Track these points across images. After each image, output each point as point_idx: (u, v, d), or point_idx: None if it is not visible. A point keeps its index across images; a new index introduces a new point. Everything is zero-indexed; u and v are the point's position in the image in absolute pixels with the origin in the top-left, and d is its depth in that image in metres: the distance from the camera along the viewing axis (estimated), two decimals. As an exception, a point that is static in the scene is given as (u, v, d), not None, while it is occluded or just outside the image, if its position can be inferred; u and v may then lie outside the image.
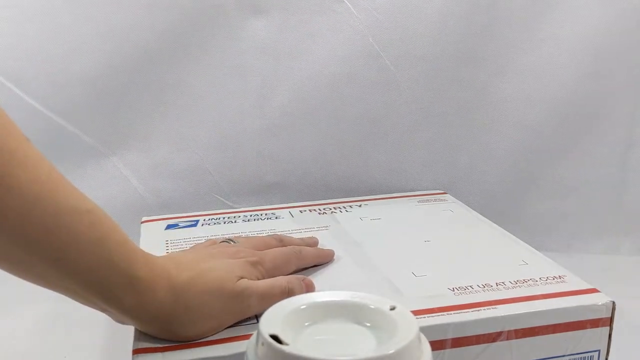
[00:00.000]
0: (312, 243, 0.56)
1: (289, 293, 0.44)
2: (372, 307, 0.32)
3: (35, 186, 0.33)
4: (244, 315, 0.43)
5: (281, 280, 0.45)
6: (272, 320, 0.31)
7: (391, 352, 0.28)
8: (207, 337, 0.42)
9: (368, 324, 0.32)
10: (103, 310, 0.40)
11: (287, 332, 0.30)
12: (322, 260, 0.53)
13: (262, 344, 0.29)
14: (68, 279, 0.36)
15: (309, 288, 0.47)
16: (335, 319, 0.32)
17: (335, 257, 0.54)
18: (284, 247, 0.51)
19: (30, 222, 0.33)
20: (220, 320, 0.42)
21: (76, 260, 0.35)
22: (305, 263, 0.52)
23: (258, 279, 0.45)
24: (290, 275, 0.48)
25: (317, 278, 0.50)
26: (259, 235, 0.58)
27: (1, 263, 0.35)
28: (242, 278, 0.43)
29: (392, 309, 0.32)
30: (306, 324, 0.32)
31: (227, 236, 0.54)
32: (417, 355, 0.30)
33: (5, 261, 0.35)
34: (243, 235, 0.58)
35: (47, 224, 0.33)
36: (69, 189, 0.35)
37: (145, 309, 0.39)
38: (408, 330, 0.30)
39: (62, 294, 0.38)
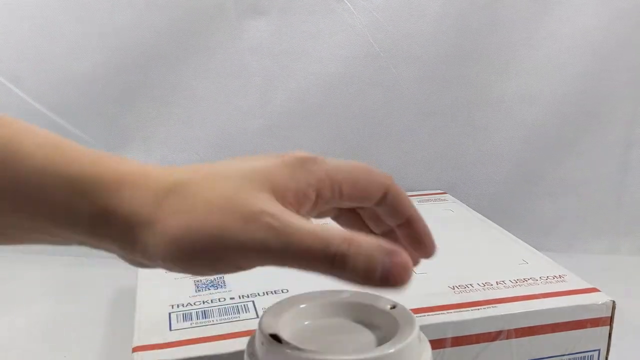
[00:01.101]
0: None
1: (336, 263, 0.27)
2: (373, 305, 0.32)
3: None
4: (253, 249, 0.27)
5: (335, 235, 0.27)
6: (272, 319, 0.31)
7: (391, 351, 0.28)
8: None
9: (368, 323, 0.32)
10: (80, 243, 0.30)
11: (286, 331, 0.30)
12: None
13: (262, 343, 0.29)
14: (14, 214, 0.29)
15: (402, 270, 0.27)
16: (335, 318, 0.32)
17: None
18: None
19: None
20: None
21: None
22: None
23: (299, 202, 0.29)
24: (361, 236, 0.27)
25: (316, 276, 0.50)
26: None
27: None
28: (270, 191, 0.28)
29: (393, 307, 0.32)
30: (306, 322, 0.32)
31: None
32: (417, 354, 0.30)
33: None
34: None
35: None
36: None
37: (117, 214, 0.28)
38: (408, 329, 0.30)
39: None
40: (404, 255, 0.27)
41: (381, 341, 0.30)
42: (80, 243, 0.30)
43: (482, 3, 0.73)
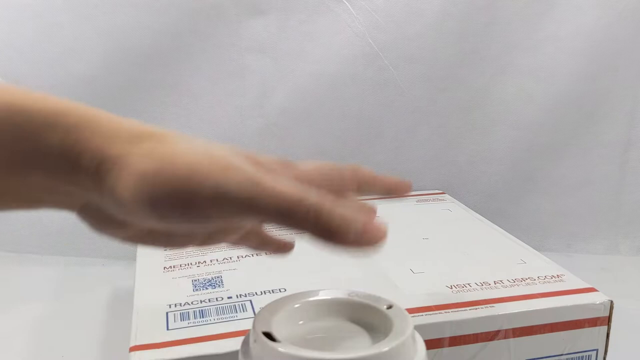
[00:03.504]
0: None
1: (310, 216, 0.26)
2: (369, 305, 0.32)
3: None
4: (227, 193, 0.26)
5: (313, 191, 0.27)
6: (267, 317, 0.31)
7: (384, 350, 0.28)
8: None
9: (364, 323, 0.32)
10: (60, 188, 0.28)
11: (281, 330, 0.30)
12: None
13: (256, 342, 0.29)
14: None
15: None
16: (330, 317, 0.32)
17: (332, 253, 0.54)
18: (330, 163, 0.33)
19: None
20: None
21: None
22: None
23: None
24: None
25: (314, 274, 0.50)
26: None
27: None
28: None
29: (389, 307, 0.32)
30: (300, 322, 0.32)
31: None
32: (411, 355, 0.30)
33: None
34: None
35: None
36: None
37: (89, 145, 0.27)
38: (403, 329, 0.30)
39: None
40: (378, 218, 0.27)
41: (375, 341, 0.30)
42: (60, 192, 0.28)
43: (481, 4, 0.73)
